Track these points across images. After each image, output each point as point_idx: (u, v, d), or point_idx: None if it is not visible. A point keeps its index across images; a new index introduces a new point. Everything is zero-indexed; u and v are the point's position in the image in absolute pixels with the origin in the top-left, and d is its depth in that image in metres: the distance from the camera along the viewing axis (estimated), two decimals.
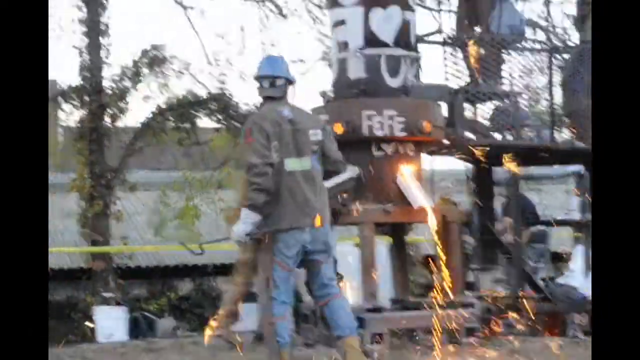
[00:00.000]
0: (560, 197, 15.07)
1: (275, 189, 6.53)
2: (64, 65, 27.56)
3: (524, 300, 8.94)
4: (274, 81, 6.81)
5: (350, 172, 7.95)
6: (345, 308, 6.70)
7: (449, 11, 10.11)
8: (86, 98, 16.35)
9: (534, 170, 11.58)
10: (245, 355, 8.00)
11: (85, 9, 16.58)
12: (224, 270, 18.35)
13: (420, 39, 9.11)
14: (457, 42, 9.61)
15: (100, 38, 16.60)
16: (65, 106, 16.80)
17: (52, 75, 18.82)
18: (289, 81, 6.89)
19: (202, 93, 17.30)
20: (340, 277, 7.45)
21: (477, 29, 9.89)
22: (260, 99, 7.00)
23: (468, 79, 9.41)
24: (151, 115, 16.94)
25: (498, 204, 10.22)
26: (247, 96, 26.14)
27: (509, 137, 9.34)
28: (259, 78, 6.87)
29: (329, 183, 8.12)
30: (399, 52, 8.35)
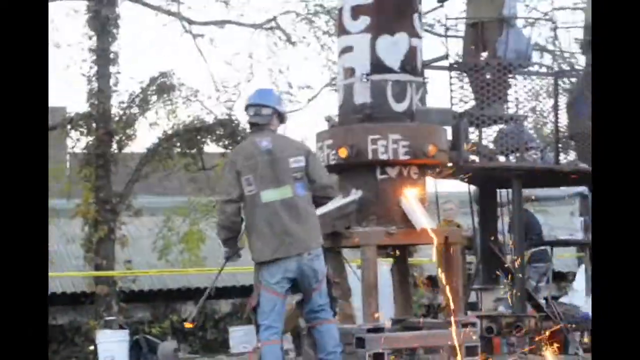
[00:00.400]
0: (564, 218, 15.09)
1: (253, 221, 6.66)
2: (72, 93, 27.73)
3: (525, 320, 8.97)
4: (259, 109, 6.95)
5: (353, 195, 8.01)
6: (333, 332, 6.79)
7: (456, 37, 10.17)
8: (94, 125, 16.43)
9: (539, 191, 11.63)
10: None
11: (95, 38, 16.72)
12: (226, 293, 18.40)
13: (426, 64, 9.17)
14: (463, 67, 9.69)
15: (110, 66, 16.72)
16: (73, 133, 16.89)
17: (61, 103, 18.99)
18: (277, 112, 7.02)
19: (210, 119, 17.38)
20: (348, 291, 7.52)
21: (484, 54, 9.95)
22: None
23: (473, 103, 9.48)
24: (158, 141, 17.02)
25: (503, 223, 10.23)
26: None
27: (513, 160, 9.39)
28: (247, 107, 7.04)
29: (331, 206, 8.17)
30: (405, 77, 8.38)
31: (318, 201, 7.02)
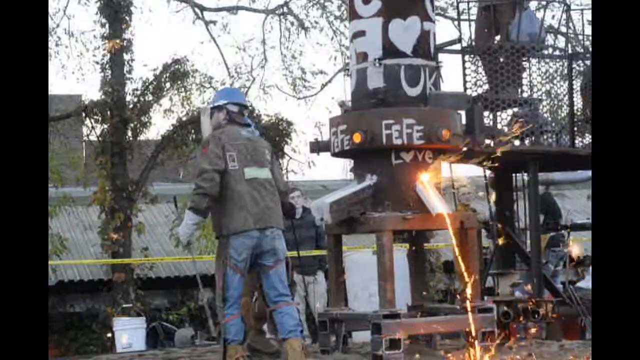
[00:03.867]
0: (581, 201, 15.06)
1: (234, 195, 7.05)
2: (87, 81, 27.77)
3: (543, 305, 8.97)
4: (245, 110, 7.62)
5: (368, 180, 8.02)
6: (292, 314, 7.13)
7: (469, 20, 10.11)
8: (108, 113, 16.45)
9: (556, 175, 11.60)
10: None
11: (107, 26, 16.74)
12: None
13: (440, 48, 9.12)
14: (476, 50, 9.65)
15: (124, 54, 16.74)
16: (88, 121, 16.93)
17: (75, 91, 19.04)
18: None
19: None
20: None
21: (497, 38, 9.90)
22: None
23: (487, 87, 9.45)
24: (172, 128, 17.03)
25: (519, 207, 10.20)
26: (268, 108, 26.17)
27: (528, 143, 9.37)
28: (238, 105, 7.56)
29: (346, 192, 8.17)
30: (418, 61, 8.34)
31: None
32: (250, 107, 16.88)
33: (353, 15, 8.49)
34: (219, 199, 7.08)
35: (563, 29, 13.33)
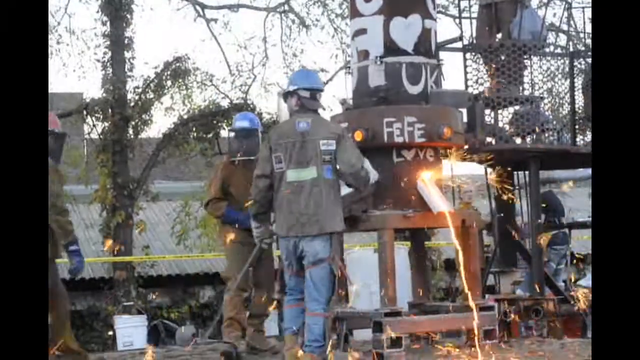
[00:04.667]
0: (582, 199, 15.05)
1: (277, 198, 6.95)
2: (88, 79, 27.77)
3: (544, 303, 8.98)
4: (318, 94, 7.23)
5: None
6: (313, 328, 6.96)
7: (470, 18, 10.11)
8: (110, 110, 16.46)
9: (557, 173, 11.61)
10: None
11: (109, 24, 16.75)
12: None
13: (441, 46, 9.12)
14: (477, 48, 9.65)
15: (125, 52, 16.74)
16: (90, 119, 16.94)
17: (76, 89, 19.03)
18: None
19: (225, 103, 17.39)
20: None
21: (498, 36, 9.90)
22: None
23: (488, 85, 9.45)
24: (174, 126, 17.04)
25: (521, 205, 10.21)
26: (269, 106, 26.15)
27: (530, 141, 9.37)
28: (310, 90, 7.23)
29: (348, 190, 8.15)
30: (420, 59, 8.34)
31: (350, 185, 7.26)
32: (252, 108, 16.93)
33: (354, 13, 8.48)
34: (274, 200, 7.03)
35: (564, 27, 13.34)
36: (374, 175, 7.29)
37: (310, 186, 6.90)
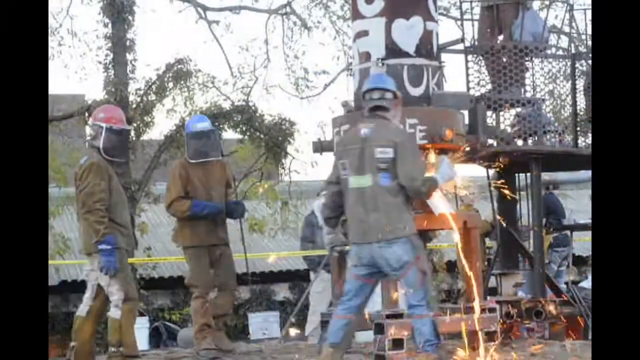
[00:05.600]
0: (584, 201, 15.05)
1: (345, 205, 6.93)
2: (89, 81, 27.78)
3: (545, 305, 8.98)
4: (384, 93, 7.09)
5: None
6: (421, 329, 6.78)
7: (472, 20, 10.11)
8: None
9: (559, 175, 11.60)
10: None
11: (110, 26, 16.75)
12: (245, 279, 18.43)
13: (442, 48, 9.12)
14: (479, 50, 9.64)
15: (127, 54, 16.75)
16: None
17: (78, 90, 19.03)
18: (396, 95, 7.16)
19: (226, 105, 17.39)
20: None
21: (500, 37, 9.89)
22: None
23: (490, 87, 9.45)
24: (175, 128, 17.03)
25: (521, 207, 10.20)
26: (270, 107, 26.17)
27: (531, 143, 9.37)
28: (369, 90, 7.13)
29: None
30: (421, 61, 8.35)
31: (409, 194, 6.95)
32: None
33: (356, 15, 8.49)
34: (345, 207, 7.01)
35: (566, 29, 13.35)
36: (449, 175, 7.13)
37: (368, 193, 6.79)
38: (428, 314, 6.80)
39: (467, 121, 8.71)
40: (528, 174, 9.80)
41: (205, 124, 8.79)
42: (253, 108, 17.10)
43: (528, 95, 9.51)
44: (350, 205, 6.86)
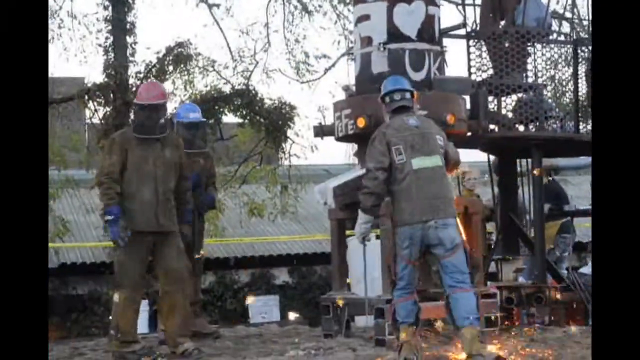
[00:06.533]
0: (585, 187, 15.03)
1: (402, 187, 6.86)
2: (89, 64, 27.74)
3: (546, 290, 8.99)
4: (405, 94, 7.15)
5: None
6: (464, 301, 6.79)
7: (474, 5, 10.08)
8: (111, 95, 16.42)
9: (560, 161, 11.57)
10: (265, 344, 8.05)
11: (110, 8, 16.70)
12: (245, 263, 18.46)
13: (444, 33, 9.10)
14: (481, 35, 9.62)
15: (127, 37, 16.70)
16: (91, 104, 16.89)
17: (78, 73, 18.99)
18: (413, 94, 7.22)
19: (227, 89, 17.35)
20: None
21: (502, 22, 9.86)
22: None
23: (492, 72, 9.42)
24: (175, 111, 16.98)
25: (524, 193, 10.20)
26: (271, 92, 26.15)
27: (533, 129, 9.35)
28: (391, 92, 7.17)
29: (350, 176, 8.14)
30: (423, 46, 8.34)
31: None
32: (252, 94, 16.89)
33: None
34: (391, 193, 6.98)
35: (568, 14, 13.30)
36: None
37: (435, 172, 6.92)
38: (472, 289, 6.94)
39: (468, 106, 8.71)
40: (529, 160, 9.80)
41: (197, 115, 8.85)
42: (253, 92, 17.04)
43: (530, 80, 9.48)
44: (415, 184, 6.86)
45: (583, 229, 13.72)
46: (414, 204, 6.80)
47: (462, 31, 9.76)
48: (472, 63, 9.60)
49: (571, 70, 9.71)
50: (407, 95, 7.16)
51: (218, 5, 18.98)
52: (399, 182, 6.87)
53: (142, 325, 13.69)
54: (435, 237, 6.78)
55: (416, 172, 6.85)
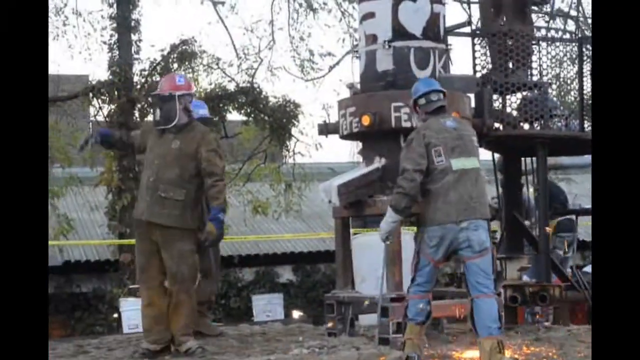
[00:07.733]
0: (589, 186, 15.02)
1: (440, 188, 6.83)
2: (94, 61, 27.77)
3: (550, 289, 8.96)
4: (440, 95, 7.13)
5: (376, 163, 7.99)
6: (487, 310, 6.74)
7: (479, 2, 10.06)
8: (116, 93, 16.44)
9: (564, 159, 11.56)
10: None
11: (115, 6, 16.71)
12: (249, 261, 18.47)
13: (449, 31, 9.09)
14: (486, 33, 9.60)
15: (132, 35, 16.71)
16: (96, 101, 16.92)
17: (83, 71, 18.99)
18: (445, 95, 7.21)
19: (231, 87, 17.36)
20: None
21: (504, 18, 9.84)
22: None
23: (497, 70, 9.41)
24: None
25: (530, 192, 10.20)
26: (275, 89, 26.13)
27: (537, 127, 9.34)
28: (428, 93, 7.13)
29: (354, 174, 8.13)
30: (428, 44, 8.33)
31: None
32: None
33: None
34: (426, 192, 6.93)
35: (573, 13, 13.29)
36: None
37: (473, 174, 6.92)
38: (494, 295, 6.89)
39: (473, 104, 8.70)
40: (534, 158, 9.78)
41: (205, 111, 8.88)
42: (258, 90, 17.06)
43: (534, 79, 9.47)
44: (453, 185, 6.83)
45: (587, 227, 13.71)
46: (451, 204, 6.78)
47: (467, 29, 9.76)
48: (477, 61, 9.60)
49: (576, 68, 9.70)
50: (441, 95, 7.14)
51: (223, 3, 18.99)
52: (436, 182, 6.85)
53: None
54: (464, 238, 6.75)
55: (455, 173, 6.84)
